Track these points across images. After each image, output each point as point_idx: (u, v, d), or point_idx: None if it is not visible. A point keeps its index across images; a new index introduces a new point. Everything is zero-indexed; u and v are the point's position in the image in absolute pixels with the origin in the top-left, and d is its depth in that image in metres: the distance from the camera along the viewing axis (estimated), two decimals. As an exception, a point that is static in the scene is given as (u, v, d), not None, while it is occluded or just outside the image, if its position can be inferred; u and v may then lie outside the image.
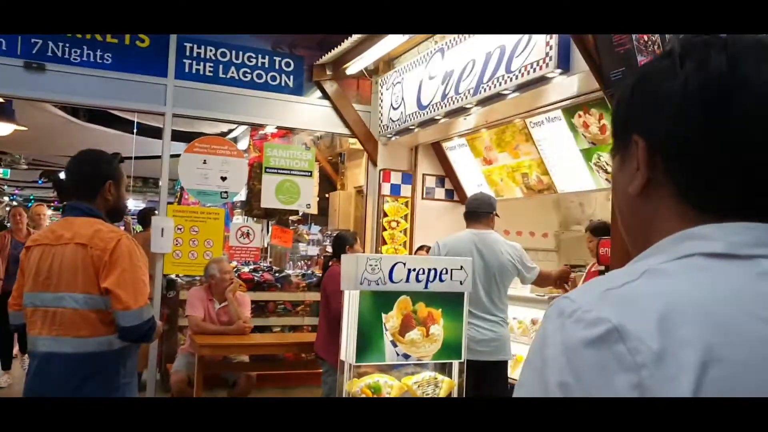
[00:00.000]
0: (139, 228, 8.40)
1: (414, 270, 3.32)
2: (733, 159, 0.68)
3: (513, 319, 5.30)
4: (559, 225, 7.37)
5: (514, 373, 5.10)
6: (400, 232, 6.58)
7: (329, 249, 9.27)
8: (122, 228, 2.73)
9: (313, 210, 7.18)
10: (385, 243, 6.52)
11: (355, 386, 3.27)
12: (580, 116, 4.91)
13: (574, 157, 5.16)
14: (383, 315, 3.28)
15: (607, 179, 4.96)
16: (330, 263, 5.13)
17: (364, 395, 3.25)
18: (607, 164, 4.89)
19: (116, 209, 2.72)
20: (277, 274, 7.24)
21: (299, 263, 9.26)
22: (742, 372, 0.59)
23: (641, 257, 0.73)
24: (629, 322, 0.60)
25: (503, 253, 4.15)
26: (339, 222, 7.87)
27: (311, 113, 6.57)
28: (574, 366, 0.61)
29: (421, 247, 6.21)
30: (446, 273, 3.41)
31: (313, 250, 9.45)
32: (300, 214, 8.83)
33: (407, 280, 3.31)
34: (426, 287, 3.36)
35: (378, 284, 3.24)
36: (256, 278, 6.89)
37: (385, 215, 6.56)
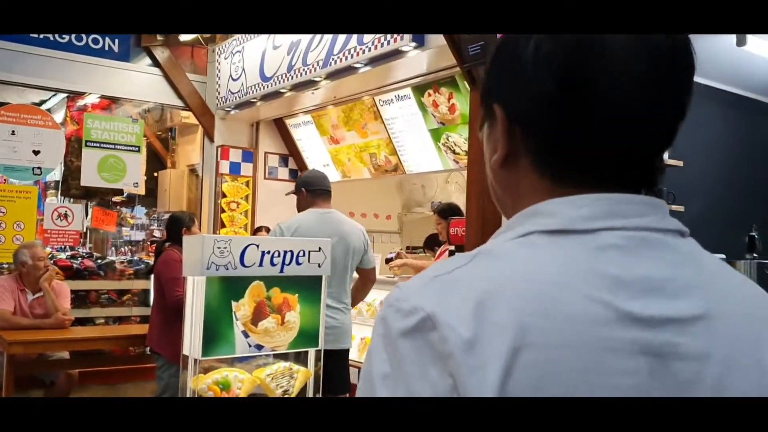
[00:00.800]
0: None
1: (268, 253, 3.01)
2: (587, 129, 0.66)
3: (362, 302, 5.14)
4: (402, 207, 7.35)
5: (362, 357, 4.96)
6: (241, 214, 6.18)
7: (157, 234, 8.64)
8: None
9: (140, 190, 6.58)
10: (224, 226, 6.10)
11: (201, 383, 2.91)
12: (429, 95, 4.82)
13: (422, 137, 5.07)
14: (233, 303, 2.95)
15: (455, 160, 4.91)
16: (163, 248, 4.65)
17: (211, 393, 2.90)
18: (456, 145, 4.84)
19: None
20: (99, 261, 6.57)
21: (122, 249, 8.53)
22: (555, 355, 0.58)
23: (494, 235, 0.70)
24: (442, 310, 0.59)
25: (352, 233, 3.90)
26: (170, 204, 7.28)
27: (139, 82, 5.96)
28: (393, 356, 0.60)
29: (259, 228, 5.86)
30: (303, 255, 3.14)
31: (138, 235, 8.74)
32: (124, 194, 8.12)
33: (260, 264, 2.99)
34: (281, 271, 3.07)
35: (227, 269, 2.90)
36: (75, 265, 6.19)
37: (224, 196, 6.13)
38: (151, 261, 6.76)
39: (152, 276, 5.00)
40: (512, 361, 0.57)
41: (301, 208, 3.92)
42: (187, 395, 2.91)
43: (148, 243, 8.28)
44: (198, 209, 6.41)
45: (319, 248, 3.20)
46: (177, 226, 4.65)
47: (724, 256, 2.90)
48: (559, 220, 0.65)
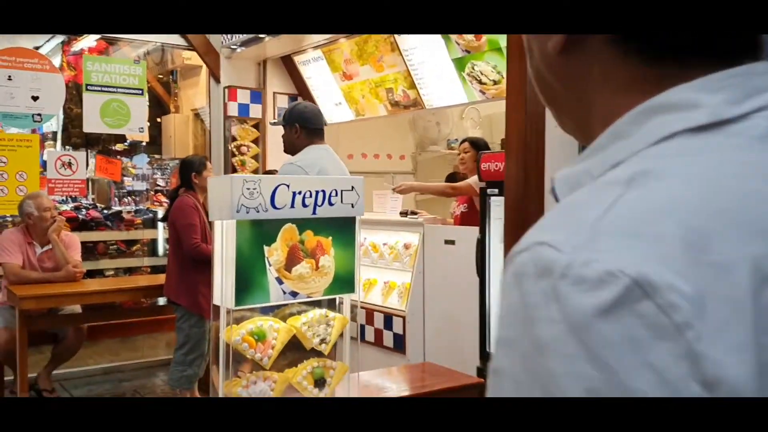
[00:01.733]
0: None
1: (300, 193, 2.77)
2: None
3: (384, 245, 4.95)
4: (416, 146, 7.08)
5: (386, 301, 4.78)
6: (252, 158, 5.92)
7: (161, 183, 8.39)
8: None
9: (144, 136, 6.30)
10: (235, 171, 5.84)
11: (234, 334, 2.71)
12: (453, 22, 4.50)
13: (445, 68, 4.77)
14: (266, 248, 2.72)
15: (481, 91, 4.63)
16: (179, 193, 4.41)
17: (246, 344, 2.71)
18: (482, 74, 4.56)
19: None
20: (105, 212, 6.34)
21: (125, 200, 8.30)
22: None
23: (597, 148, 0.54)
24: (649, 266, 0.42)
25: (346, 170, 3.69)
26: (175, 150, 7.02)
27: (139, 21, 5.60)
28: (592, 349, 0.42)
29: (270, 172, 5.61)
30: (336, 195, 2.90)
31: (141, 185, 8.49)
32: (127, 142, 7.85)
33: (292, 206, 2.75)
34: (314, 213, 2.83)
35: (258, 211, 2.66)
36: (80, 217, 5.97)
37: (234, 139, 5.85)
38: (158, 210, 6.56)
39: (166, 224, 4.80)
40: (757, 306, 0.41)
41: (294, 145, 3.57)
42: (220, 348, 2.71)
43: (152, 192, 8.05)
44: (207, 154, 6.14)
45: (352, 187, 2.96)
46: (188, 171, 4.42)
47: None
48: (705, 111, 0.50)
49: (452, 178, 5.86)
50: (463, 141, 4.78)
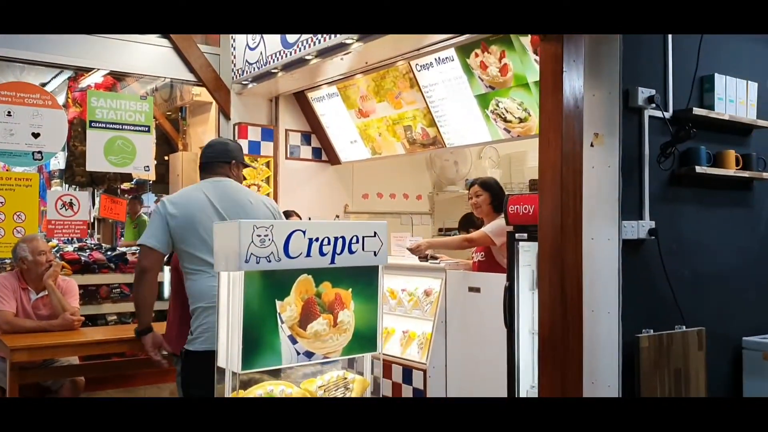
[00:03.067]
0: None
1: (317, 240, 2.48)
2: None
3: (402, 291, 4.63)
4: (433, 186, 6.81)
5: (405, 352, 4.45)
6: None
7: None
8: None
9: (151, 175, 6.05)
10: (244, 210, 5.57)
11: (241, 401, 2.39)
12: (477, 55, 4.26)
13: (467, 105, 4.52)
14: (278, 302, 2.42)
15: (506, 129, 4.36)
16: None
17: (255, 413, 2.38)
18: (507, 111, 4.29)
19: None
20: (108, 253, 6.06)
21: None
22: None
23: None
24: None
25: (253, 202, 3.32)
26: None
27: (147, 55, 5.41)
28: None
29: (287, 214, 5.33)
30: (357, 242, 2.60)
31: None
32: (133, 181, 7.63)
33: (308, 254, 2.46)
34: (332, 262, 2.53)
35: (270, 261, 2.37)
36: (83, 258, 5.69)
37: (244, 178, 5.59)
38: (165, 251, 6.29)
39: (168, 268, 4.52)
40: None
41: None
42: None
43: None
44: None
45: (375, 233, 2.66)
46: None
47: None
48: None
49: (468, 218, 5.58)
50: (473, 184, 4.41)
